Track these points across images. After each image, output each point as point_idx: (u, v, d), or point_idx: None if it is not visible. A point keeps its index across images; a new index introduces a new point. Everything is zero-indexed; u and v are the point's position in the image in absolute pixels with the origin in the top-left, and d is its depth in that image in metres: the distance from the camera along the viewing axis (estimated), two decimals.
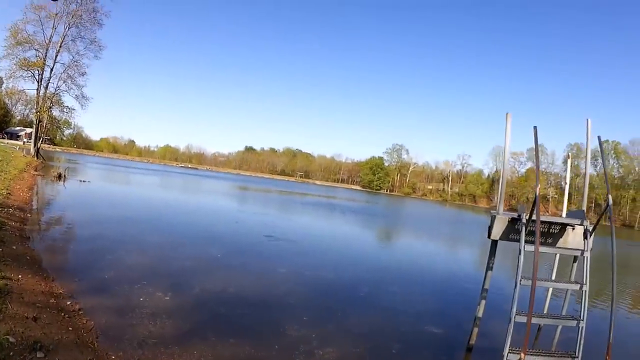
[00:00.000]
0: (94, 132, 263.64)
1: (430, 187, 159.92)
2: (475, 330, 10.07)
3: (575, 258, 9.65)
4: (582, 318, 7.18)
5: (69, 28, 58.40)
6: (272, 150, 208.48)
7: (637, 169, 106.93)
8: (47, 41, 57.32)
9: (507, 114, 9.03)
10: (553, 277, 10.99)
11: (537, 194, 7.06)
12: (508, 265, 20.99)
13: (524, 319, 7.18)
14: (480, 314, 10.08)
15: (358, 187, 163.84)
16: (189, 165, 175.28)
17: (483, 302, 10.07)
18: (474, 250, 31.55)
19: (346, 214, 49.08)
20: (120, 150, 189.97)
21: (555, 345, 9.89)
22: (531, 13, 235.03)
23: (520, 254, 7.46)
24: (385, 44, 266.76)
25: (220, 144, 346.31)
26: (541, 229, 8.60)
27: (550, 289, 11.72)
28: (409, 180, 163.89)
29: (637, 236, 64.65)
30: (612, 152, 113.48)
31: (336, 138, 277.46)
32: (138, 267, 12.79)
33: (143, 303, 9.66)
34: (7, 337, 6.05)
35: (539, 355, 6.95)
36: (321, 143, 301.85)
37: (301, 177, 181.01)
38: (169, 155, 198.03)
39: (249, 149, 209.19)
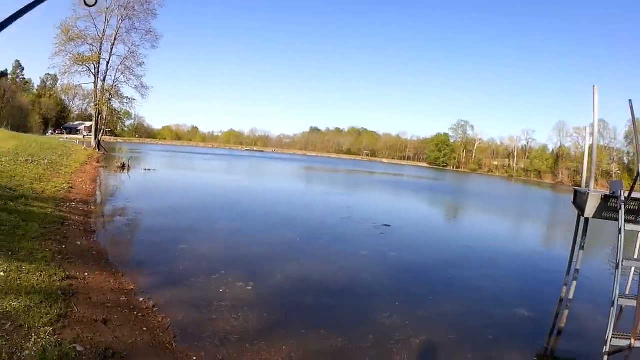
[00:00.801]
0: (155, 121, 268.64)
1: (495, 163, 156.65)
2: (566, 312, 9.57)
3: None
4: None
5: (122, 21, 59.33)
6: (337, 130, 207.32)
7: None
8: (100, 35, 58.24)
9: (593, 86, 8.56)
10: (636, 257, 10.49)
11: (639, 171, 6.63)
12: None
13: (628, 302, 6.80)
14: (570, 295, 9.55)
15: (425, 164, 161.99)
16: (255, 148, 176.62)
17: (574, 283, 9.53)
18: (548, 229, 30.47)
19: (417, 191, 48.18)
20: (183, 137, 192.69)
21: None
22: None
23: (620, 233, 6.95)
24: (447, 19, 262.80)
25: (285, 126, 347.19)
26: (633, 206, 8.20)
27: (633, 269, 11.24)
28: (474, 157, 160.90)
29: None
30: None
31: (401, 115, 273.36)
32: (214, 255, 12.41)
33: (223, 295, 9.20)
34: (74, 345, 5.42)
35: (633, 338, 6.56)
36: (386, 121, 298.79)
37: (367, 155, 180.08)
38: (234, 139, 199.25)
39: (314, 130, 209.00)
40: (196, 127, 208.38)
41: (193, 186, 32.38)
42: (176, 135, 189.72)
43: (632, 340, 5.11)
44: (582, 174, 11.38)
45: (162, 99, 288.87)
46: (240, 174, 50.92)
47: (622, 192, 7.26)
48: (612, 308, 6.48)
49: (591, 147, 9.40)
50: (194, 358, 6.40)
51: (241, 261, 12.15)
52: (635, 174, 6.83)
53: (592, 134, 9.65)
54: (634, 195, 7.42)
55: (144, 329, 6.95)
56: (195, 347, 6.73)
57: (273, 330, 7.75)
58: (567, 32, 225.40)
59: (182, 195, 25.85)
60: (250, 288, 9.84)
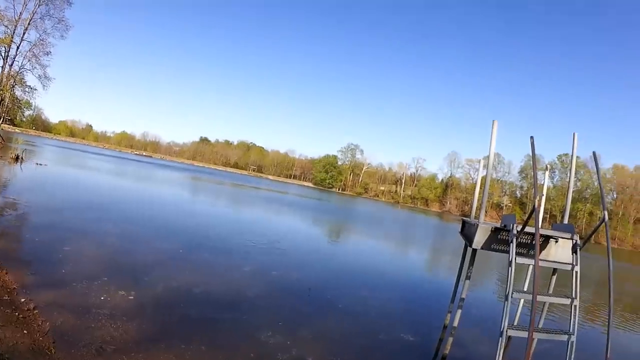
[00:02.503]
0: (53, 114, 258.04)
1: (382, 188, 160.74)
2: (450, 339, 9.89)
3: (554, 271, 9.53)
4: (572, 332, 6.99)
5: (39, 5, 55.44)
6: (227, 142, 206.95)
7: (595, 184, 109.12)
8: (16, 17, 54.24)
9: (493, 121, 8.89)
10: (525, 289, 10.92)
11: (537, 206, 6.79)
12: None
13: (515, 333, 7.00)
14: (455, 323, 9.90)
15: (310, 184, 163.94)
16: (144, 153, 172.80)
17: (459, 311, 9.87)
18: (434, 255, 31.86)
19: (302, 210, 48.85)
20: (77, 134, 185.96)
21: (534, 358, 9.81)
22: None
23: (510, 265, 7.23)
24: (348, 42, 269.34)
25: (176, 133, 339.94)
26: (524, 240, 8.52)
27: (521, 301, 11.68)
28: (361, 180, 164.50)
29: (592, 248, 66.42)
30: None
31: (291, 134, 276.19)
32: (98, 260, 11.86)
33: (104, 303, 8.81)
34: None
35: None
36: (275, 137, 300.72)
37: (254, 170, 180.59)
38: (125, 141, 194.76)
39: (204, 140, 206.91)
40: (90, 125, 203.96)
41: (82, 186, 31.02)
42: (71, 131, 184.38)
43: None
44: (471, 205, 11.71)
45: (60, 90, 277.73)
46: (130, 177, 49.10)
47: (515, 226, 7.48)
48: (500, 338, 6.75)
49: (484, 178, 9.74)
50: None
51: (124, 269, 11.69)
52: (531, 209, 7.03)
53: (486, 167, 9.91)
54: (526, 229, 7.66)
55: (25, 331, 6.65)
56: (72, 354, 6.47)
57: (152, 343, 7.54)
58: (468, 64, 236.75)
59: (70, 194, 24.74)
60: (132, 298, 9.51)
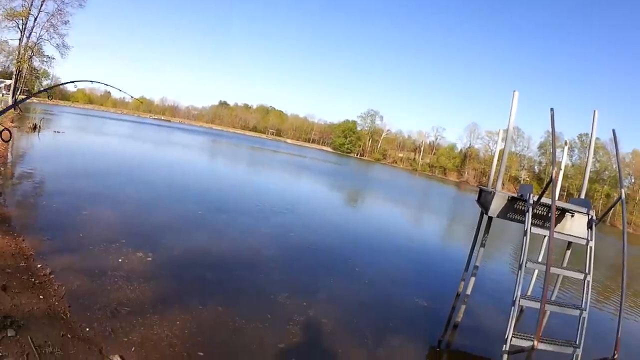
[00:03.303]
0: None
1: (401, 155, 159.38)
2: (463, 307, 9.89)
3: (568, 246, 9.51)
4: (584, 308, 6.90)
5: None
6: (246, 106, 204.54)
7: (614, 166, 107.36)
8: None
9: (514, 91, 8.81)
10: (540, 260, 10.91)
11: (554, 177, 6.73)
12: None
13: (528, 303, 7.00)
14: (468, 291, 9.92)
15: (329, 149, 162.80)
16: (162, 118, 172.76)
17: (473, 279, 9.89)
18: (451, 224, 31.87)
19: (319, 174, 49.03)
20: (95, 101, 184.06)
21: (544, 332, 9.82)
22: None
23: (525, 235, 7.20)
24: (367, 6, 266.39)
25: (195, 97, 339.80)
26: (540, 211, 8.48)
27: (535, 275, 11.69)
28: (380, 147, 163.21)
29: (607, 230, 65.95)
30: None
31: (311, 98, 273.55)
32: (116, 224, 11.86)
33: (120, 265, 8.83)
34: None
35: (545, 342, 6.75)
36: (295, 102, 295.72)
37: (272, 134, 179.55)
38: (143, 107, 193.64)
39: (223, 104, 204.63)
40: (108, 92, 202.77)
41: (100, 152, 30.87)
42: (89, 99, 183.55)
43: (536, 342, 5.26)
44: (488, 176, 11.67)
45: (77, 59, 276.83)
46: (148, 142, 49.13)
47: (531, 195, 7.44)
48: (512, 308, 6.72)
49: (502, 150, 9.60)
50: (87, 329, 6.11)
51: (143, 232, 11.71)
52: (548, 179, 6.98)
53: (504, 138, 9.83)
54: (543, 200, 7.63)
55: (41, 297, 6.61)
56: (88, 318, 6.44)
57: (168, 304, 7.57)
58: (490, 37, 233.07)
59: (88, 161, 24.62)
60: (150, 259, 9.53)
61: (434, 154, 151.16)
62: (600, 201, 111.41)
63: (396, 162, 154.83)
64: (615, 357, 5.68)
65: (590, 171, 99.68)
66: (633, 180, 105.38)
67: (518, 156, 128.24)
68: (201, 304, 7.92)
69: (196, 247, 11.31)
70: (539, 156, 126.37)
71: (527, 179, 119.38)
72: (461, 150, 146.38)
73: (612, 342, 6.46)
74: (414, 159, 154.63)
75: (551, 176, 6.78)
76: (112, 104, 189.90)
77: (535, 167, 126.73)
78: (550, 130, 7.56)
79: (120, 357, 5.59)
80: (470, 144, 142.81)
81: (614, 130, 7.96)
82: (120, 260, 9.11)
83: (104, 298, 7.20)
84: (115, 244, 9.94)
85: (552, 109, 7.56)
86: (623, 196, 7.12)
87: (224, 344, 6.82)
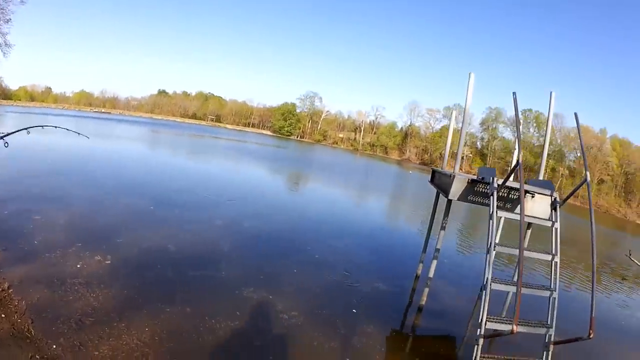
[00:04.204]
0: (12, 82, 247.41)
1: (341, 135, 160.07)
2: (426, 290, 10.08)
3: (528, 226, 9.69)
4: (554, 289, 7.12)
5: None
6: (185, 93, 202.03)
7: (559, 140, 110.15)
8: None
9: (470, 73, 9.01)
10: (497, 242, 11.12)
11: (520, 161, 6.81)
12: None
13: (500, 287, 7.07)
14: (431, 274, 10.03)
15: (268, 132, 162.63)
16: (102, 110, 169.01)
17: (434, 262, 9.98)
18: (394, 202, 32.45)
19: (262, 159, 48.72)
20: (37, 98, 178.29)
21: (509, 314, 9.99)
22: None
23: (491, 219, 7.27)
24: None
25: (134, 88, 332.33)
26: (501, 194, 8.59)
27: (492, 256, 11.87)
28: (320, 128, 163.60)
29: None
30: (534, 121, 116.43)
31: (249, 82, 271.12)
32: (69, 226, 11.40)
33: (80, 271, 8.53)
34: None
35: (519, 324, 6.84)
36: (234, 87, 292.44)
37: (212, 120, 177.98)
38: (84, 100, 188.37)
39: (162, 93, 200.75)
40: (49, 88, 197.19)
41: (44, 150, 28.96)
42: (30, 96, 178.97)
43: (515, 327, 5.25)
44: (443, 155, 11.77)
45: (19, 55, 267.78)
46: (90, 136, 47.71)
47: (495, 179, 7.51)
48: (484, 292, 6.79)
49: (457, 129, 9.72)
50: (54, 346, 5.90)
51: (98, 232, 11.31)
52: (515, 163, 7.07)
53: (457, 118, 9.93)
54: (512, 184, 7.81)
55: (3, 315, 6.34)
56: (53, 333, 6.22)
57: (134, 309, 7.41)
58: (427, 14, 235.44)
59: (31, 160, 23.23)
60: (108, 262, 9.28)
61: (374, 134, 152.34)
62: (546, 175, 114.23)
63: (337, 143, 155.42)
64: (591, 337, 5.74)
65: (535, 145, 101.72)
66: (579, 155, 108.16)
67: (459, 132, 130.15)
68: (168, 307, 7.79)
69: (153, 245, 11.04)
70: (480, 132, 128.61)
71: (470, 155, 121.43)
72: (402, 128, 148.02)
73: (579, 321, 6.60)
74: (355, 138, 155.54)
75: (517, 160, 6.88)
76: (54, 99, 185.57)
77: (478, 143, 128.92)
78: (515, 113, 7.61)
79: None
80: (411, 122, 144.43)
81: (576, 114, 8.08)
82: (78, 265, 8.82)
83: (66, 309, 6.95)
84: (71, 249, 9.60)
85: (514, 93, 7.63)
86: (588, 179, 7.24)
87: (198, 348, 6.74)
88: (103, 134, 52.35)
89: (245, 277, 10.07)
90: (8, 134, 6.10)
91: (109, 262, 9.29)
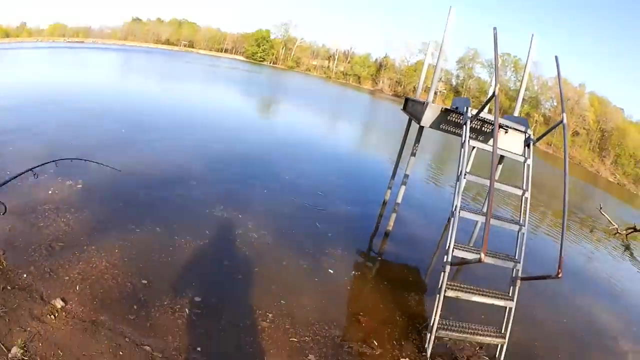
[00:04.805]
0: None
1: (315, 62, 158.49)
2: (393, 216, 10.41)
3: (500, 160, 9.87)
4: (523, 224, 7.25)
5: None
6: (159, 20, 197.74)
7: (536, 88, 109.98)
8: None
9: (450, 7, 8.86)
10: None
11: (496, 94, 6.79)
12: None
13: (468, 215, 7.21)
14: (399, 199, 10.32)
15: (241, 58, 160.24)
16: (76, 40, 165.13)
17: (403, 187, 10.24)
18: (365, 130, 33.04)
19: (234, 84, 47.99)
20: (12, 34, 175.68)
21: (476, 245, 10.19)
22: None
23: (463, 147, 7.31)
24: None
25: (108, 16, 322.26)
26: (475, 125, 8.61)
27: (463, 184, 12.01)
28: (293, 55, 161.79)
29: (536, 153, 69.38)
30: (512, 65, 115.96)
31: (224, 8, 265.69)
32: (41, 152, 10.84)
33: (51, 197, 8.41)
34: None
35: (486, 255, 6.93)
36: (209, 13, 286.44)
37: (185, 46, 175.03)
38: (58, 32, 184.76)
39: (136, 20, 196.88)
40: (24, 23, 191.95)
41: (16, 83, 28.44)
42: (5, 33, 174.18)
43: (483, 256, 5.32)
44: (417, 86, 11.79)
45: None
46: (58, 67, 46.20)
47: (469, 109, 7.53)
48: (452, 219, 6.91)
49: (432, 63, 9.72)
50: (24, 275, 5.91)
51: (67, 157, 10.89)
52: (491, 94, 7.11)
53: (433, 52, 9.93)
54: (488, 116, 7.88)
55: None
56: (24, 262, 6.19)
57: (104, 232, 7.47)
58: None
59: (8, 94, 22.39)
60: (80, 186, 9.20)
61: (348, 63, 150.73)
62: (521, 115, 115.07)
63: (310, 70, 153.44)
64: (560, 275, 5.84)
65: (511, 89, 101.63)
66: (555, 104, 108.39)
67: (434, 68, 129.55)
68: (138, 227, 7.90)
69: (125, 168, 10.61)
70: (456, 70, 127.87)
71: (444, 90, 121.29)
72: (376, 59, 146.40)
73: (545, 262, 6.74)
74: (328, 66, 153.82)
75: (494, 92, 6.93)
76: (28, 33, 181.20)
77: (453, 80, 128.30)
78: (494, 48, 7.56)
79: (62, 299, 5.52)
80: (385, 54, 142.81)
81: (556, 57, 7.99)
82: (49, 192, 8.70)
83: (37, 237, 6.91)
84: (43, 176, 9.20)
85: (495, 28, 7.63)
86: (565, 120, 7.29)
87: (167, 267, 6.91)
88: (71, 63, 50.67)
89: (216, 197, 10.22)
90: None
91: (80, 186, 9.21)
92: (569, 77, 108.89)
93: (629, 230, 20.32)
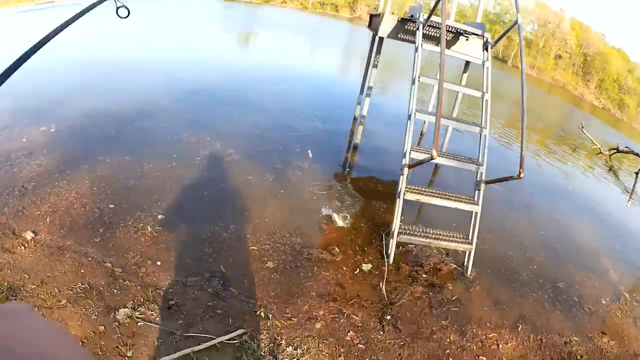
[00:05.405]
0: None
1: None
2: (360, 128, 10.72)
3: (465, 68, 10.31)
4: (484, 126, 7.36)
5: None
6: None
7: (515, 11, 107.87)
8: None
9: None
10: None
11: None
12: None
13: (425, 117, 7.36)
14: (364, 112, 10.59)
15: None
16: (45, 1, 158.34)
17: (367, 99, 10.41)
18: (342, 55, 32.98)
19: (206, 17, 46.06)
20: None
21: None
22: None
23: (416, 51, 7.40)
24: None
25: None
26: (433, 33, 8.72)
27: (434, 91, 12.09)
28: None
29: (507, 69, 68.88)
30: None
31: None
32: (16, 105, 10.54)
33: (25, 144, 8.45)
34: None
35: (446, 157, 7.06)
36: None
37: None
38: None
39: None
40: None
41: None
42: None
43: (434, 153, 5.48)
44: (377, 7, 11.82)
45: None
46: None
47: (421, 14, 7.63)
48: (408, 122, 7.03)
49: None
50: None
51: (43, 107, 10.73)
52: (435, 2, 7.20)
53: None
54: (435, 19, 7.94)
55: None
56: None
57: (75, 167, 7.72)
58: None
59: None
60: (53, 130, 9.28)
61: None
62: (501, 44, 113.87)
63: (285, 2, 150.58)
64: (521, 176, 5.98)
65: (491, 13, 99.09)
66: (536, 27, 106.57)
67: None
68: (107, 158, 8.18)
69: (97, 109, 10.78)
70: None
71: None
72: None
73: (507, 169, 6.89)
74: None
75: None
76: None
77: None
78: None
79: (33, 231, 5.86)
80: None
81: None
82: (24, 139, 8.77)
83: (11, 181, 7.10)
84: (16, 127, 9.34)
85: None
86: (519, 21, 7.46)
87: (134, 190, 7.26)
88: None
89: (184, 123, 10.40)
90: None
91: (54, 130, 9.30)
92: (548, 1, 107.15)
93: (612, 151, 20.21)
